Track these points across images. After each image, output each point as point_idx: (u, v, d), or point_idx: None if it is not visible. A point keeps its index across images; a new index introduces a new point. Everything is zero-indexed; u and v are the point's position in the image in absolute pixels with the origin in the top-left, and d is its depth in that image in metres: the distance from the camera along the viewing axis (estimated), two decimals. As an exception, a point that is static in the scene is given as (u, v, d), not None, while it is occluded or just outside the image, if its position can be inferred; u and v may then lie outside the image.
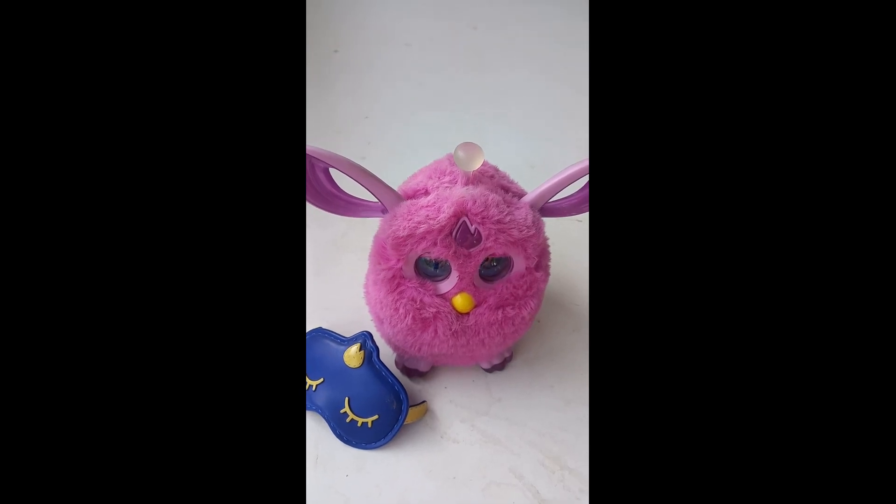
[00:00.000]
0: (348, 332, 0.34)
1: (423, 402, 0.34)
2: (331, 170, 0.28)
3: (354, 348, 0.33)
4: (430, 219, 0.27)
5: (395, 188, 0.30)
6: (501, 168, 0.32)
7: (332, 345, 0.34)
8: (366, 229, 0.33)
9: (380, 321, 0.32)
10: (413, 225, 0.27)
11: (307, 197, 0.28)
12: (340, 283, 0.40)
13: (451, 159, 0.30)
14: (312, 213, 0.46)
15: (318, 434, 0.33)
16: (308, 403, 0.33)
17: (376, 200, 0.29)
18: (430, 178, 0.30)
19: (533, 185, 0.31)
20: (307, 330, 0.36)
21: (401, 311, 0.29)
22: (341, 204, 0.29)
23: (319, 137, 0.53)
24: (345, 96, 0.58)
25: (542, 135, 0.55)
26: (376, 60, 0.63)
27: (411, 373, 0.35)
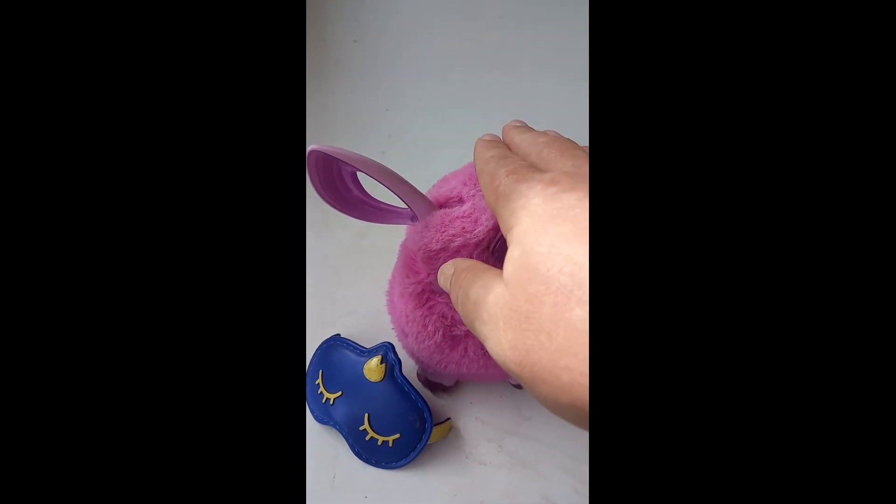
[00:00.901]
0: (367, 340, 0.32)
1: (448, 419, 0.32)
2: (358, 173, 0.26)
3: (375, 361, 0.31)
4: (467, 231, 0.25)
5: (423, 191, 0.28)
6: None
7: (351, 355, 0.32)
8: (385, 230, 0.31)
9: (404, 335, 0.30)
10: (447, 238, 0.25)
11: (332, 202, 0.26)
12: (358, 287, 0.38)
13: (486, 163, 0.28)
14: (329, 214, 0.44)
15: (336, 451, 0.31)
16: (325, 418, 0.31)
17: (405, 206, 0.27)
18: (465, 184, 0.27)
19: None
20: (325, 338, 0.34)
21: (429, 327, 0.27)
22: (369, 210, 0.27)
23: (338, 130, 0.51)
24: (365, 88, 0.56)
25: (572, 134, 0.52)
26: (398, 51, 0.61)
27: (434, 387, 0.33)
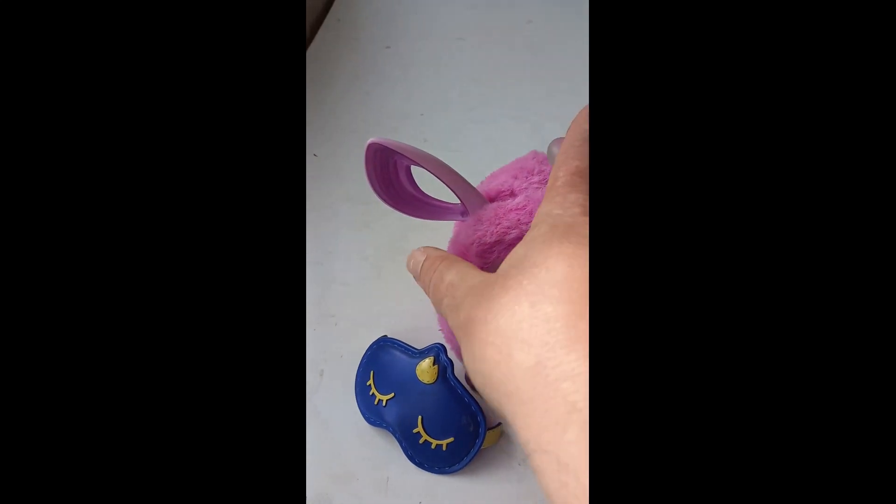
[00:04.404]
0: (411, 340, 0.32)
1: (499, 424, 0.31)
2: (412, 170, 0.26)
3: (427, 362, 0.30)
4: (522, 223, 0.24)
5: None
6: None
7: (403, 356, 0.31)
8: (426, 228, 0.30)
9: (452, 335, 0.30)
10: (502, 230, 0.24)
11: (385, 198, 0.25)
12: (400, 286, 0.38)
13: (537, 157, 0.27)
14: (370, 214, 0.44)
15: (388, 454, 0.30)
16: (377, 420, 0.31)
17: (456, 202, 0.26)
18: (516, 177, 0.27)
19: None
20: (368, 336, 0.33)
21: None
22: (421, 206, 0.27)
23: (375, 133, 0.51)
24: (399, 93, 0.56)
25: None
26: (429, 56, 0.61)
27: (484, 389, 0.33)
